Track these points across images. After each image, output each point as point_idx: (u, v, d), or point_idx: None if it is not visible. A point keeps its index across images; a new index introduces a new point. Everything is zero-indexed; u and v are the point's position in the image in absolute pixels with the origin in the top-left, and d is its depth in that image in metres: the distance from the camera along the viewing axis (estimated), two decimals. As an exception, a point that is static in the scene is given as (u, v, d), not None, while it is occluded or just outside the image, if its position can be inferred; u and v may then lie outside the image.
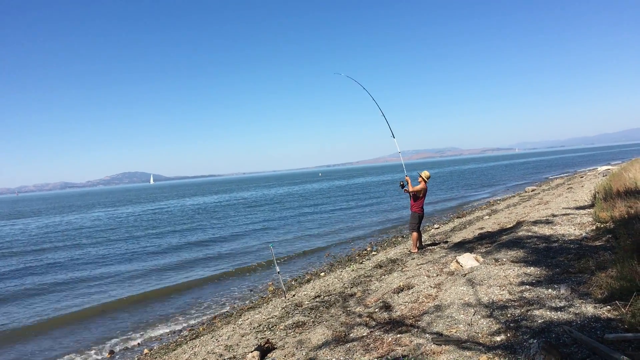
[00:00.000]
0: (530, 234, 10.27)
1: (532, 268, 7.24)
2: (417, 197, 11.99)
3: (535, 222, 11.72)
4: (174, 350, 9.35)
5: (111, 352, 10.37)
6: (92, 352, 10.57)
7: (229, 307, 12.75)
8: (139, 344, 10.76)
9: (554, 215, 12.54)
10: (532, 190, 30.17)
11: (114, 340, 11.16)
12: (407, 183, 12.03)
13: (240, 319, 10.22)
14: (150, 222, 39.08)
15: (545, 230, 10.37)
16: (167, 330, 11.46)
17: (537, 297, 5.91)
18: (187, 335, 10.62)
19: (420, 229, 12.59)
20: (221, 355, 7.61)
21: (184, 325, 11.72)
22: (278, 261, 12.08)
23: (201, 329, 10.97)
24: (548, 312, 5.32)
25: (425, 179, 11.99)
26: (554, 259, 7.63)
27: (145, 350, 10.13)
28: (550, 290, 6.07)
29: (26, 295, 15.99)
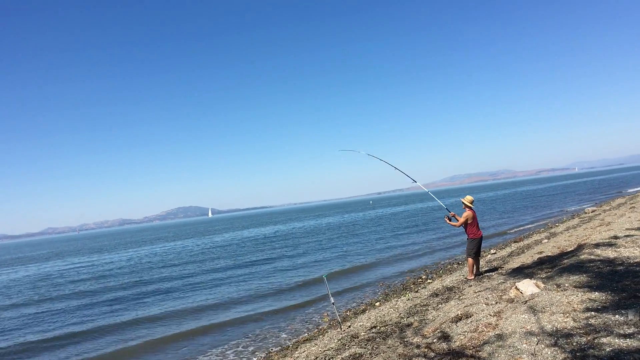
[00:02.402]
0: (592, 257, 9.87)
1: (596, 293, 6.94)
2: (467, 224, 11.80)
3: (597, 245, 11.26)
4: (233, 384, 9.40)
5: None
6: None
7: (284, 339, 12.75)
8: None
9: (616, 237, 12.03)
10: (593, 211, 29.09)
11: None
12: (454, 217, 11.93)
13: (296, 352, 10.20)
14: (203, 256, 39.69)
15: (609, 253, 9.94)
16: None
17: (604, 323, 5.66)
18: (244, 369, 10.67)
19: (480, 254, 12.36)
20: (279, 388, 7.60)
21: (241, 357, 11.77)
22: (332, 292, 12.03)
23: (258, 362, 11.00)
24: (616, 340, 5.08)
25: (469, 205, 11.78)
26: (619, 283, 7.30)
27: (205, 384, 10.22)
28: (617, 316, 5.81)
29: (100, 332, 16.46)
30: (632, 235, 11.83)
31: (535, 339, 5.71)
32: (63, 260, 58.06)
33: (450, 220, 11.91)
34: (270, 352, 11.66)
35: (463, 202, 11.85)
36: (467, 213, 11.72)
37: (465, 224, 11.76)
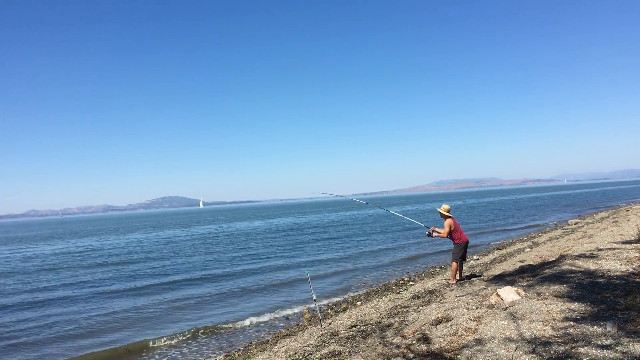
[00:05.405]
0: (574, 268, 9.96)
1: (576, 304, 7.02)
2: (451, 231, 11.98)
3: (579, 256, 11.37)
4: (210, 375, 9.39)
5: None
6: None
7: (264, 334, 12.74)
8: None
9: (599, 250, 12.16)
10: (576, 223, 29.38)
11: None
12: (435, 231, 12.03)
13: (275, 346, 10.19)
14: (188, 249, 39.55)
15: (590, 265, 10.05)
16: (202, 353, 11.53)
17: (582, 333, 5.73)
18: (222, 361, 10.66)
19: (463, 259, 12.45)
20: (257, 382, 7.59)
21: (222, 350, 11.75)
22: (314, 289, 12.02)
23: (236, 355, 10.98)
24: (594, 350, 5.14)
25: (446, 213, 11.93)
26: (599, 294, 7.38)
27: (182, 375, 10.20)
28: (595, 327, 5.88)
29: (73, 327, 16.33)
30: (614, 249, 11.96)
31: (514, 345, 5.76)
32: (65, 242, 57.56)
33: (431, 235, 12.06)
34: (250, 345, 11.66)
35: (440, 213, 12.05)
36: (449, 221, 11.95)
37: (449, 232, 11.94)
